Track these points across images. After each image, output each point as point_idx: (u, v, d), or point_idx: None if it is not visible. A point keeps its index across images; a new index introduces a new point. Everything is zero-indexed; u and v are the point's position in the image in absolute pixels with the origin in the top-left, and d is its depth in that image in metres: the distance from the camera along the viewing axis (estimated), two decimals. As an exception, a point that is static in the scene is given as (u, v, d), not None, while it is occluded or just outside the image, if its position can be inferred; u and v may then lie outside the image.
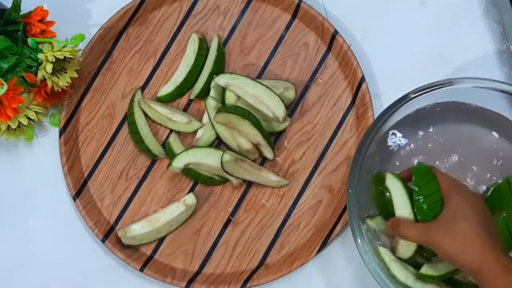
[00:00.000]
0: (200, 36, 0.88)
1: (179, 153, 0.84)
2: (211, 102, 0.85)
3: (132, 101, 0.88)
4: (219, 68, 0.88)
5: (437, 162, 0.81)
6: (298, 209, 0.86)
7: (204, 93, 0.87)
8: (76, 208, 0.86)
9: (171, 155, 0.86)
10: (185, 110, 0.89)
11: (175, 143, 0.87)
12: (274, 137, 0.88)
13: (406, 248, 0.75)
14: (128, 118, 0.88)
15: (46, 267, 0.87)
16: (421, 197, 0.73)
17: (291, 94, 0.87)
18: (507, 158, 0.81)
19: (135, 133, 0.87)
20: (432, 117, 0.82)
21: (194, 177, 0.86)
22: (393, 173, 0.76)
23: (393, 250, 0.76)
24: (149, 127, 0.87)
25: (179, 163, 0.84)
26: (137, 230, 0.84)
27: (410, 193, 0.75)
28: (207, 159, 0.84)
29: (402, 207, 0.75)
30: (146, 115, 0.88)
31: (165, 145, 0.87)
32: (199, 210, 0.86)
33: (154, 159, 0.88)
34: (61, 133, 0.87)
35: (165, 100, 0.88)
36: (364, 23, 0.91)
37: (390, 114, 0.78)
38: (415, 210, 0.73)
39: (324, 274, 0.86)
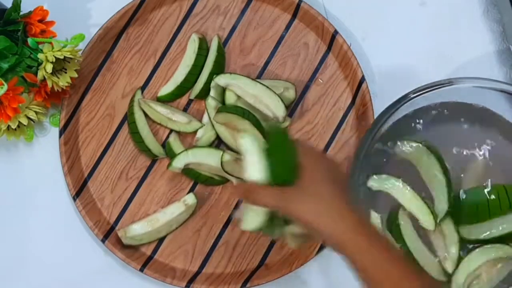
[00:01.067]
0: (200, 36, 0.88)
1: (179, 153, 0.84)
2: (211, 102, 0.85)
3: (132, 101, 0.88)
4: (219, 68, 0.88)
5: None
6: (298, 209, 0.86)
7: (204, 93, 0.87)
8: (76, 208, 0.86)
9: (171, 155, 0.86)
10: (185, 110, 0.89)
11: (175, 143, 0.87)
12: (274, 137, 0.88)
13: (254, 219, 0.66)
14: (128, 118, 0.88)
15: (46, 267, 0.87)
16: (278, 159, 0.65)
17: (291, 94, 0.87)
18: (506, 157, 0.81)
19: (135, 133, 0.87)
20: (431, 117, 0.82)
21: (194, 177, 0.86)
22: (251, 133, 0.69)
23: (238, 222, 0.68)
24: (149, 127, 0.87)
25: (179, 163, 0.84)
26: (137, 230, 0.84)
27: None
28: (207, 159, 0.84)
29: (255, 170, 0.66)
30: (146, 115, 0.88)
31: (165, 145, 0.87)
32: (199, 210, 0.86)
33: (154, 159, 0.88)
34: (61, 133, 0.87)
35: (165, 100, 0.88)
36: (364, 23, 0.91)
37: (390, 114, 0.78)
38: (270, 173, 0.65)
39: (324, 274, 0.86)
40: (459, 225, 0.79)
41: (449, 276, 0.78)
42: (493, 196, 0.78)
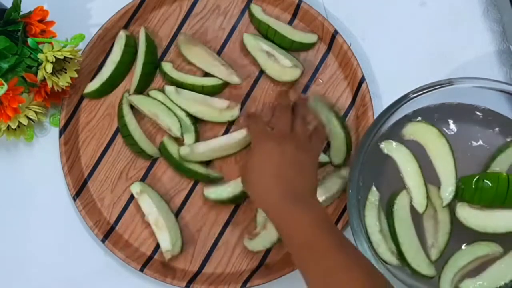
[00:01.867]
0: (127, 34, 0.88)
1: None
2: (170, 89, 0.86)
3: (120, 103, 0.88)
4: (152, 56, 0.88)
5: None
6: (298, 209, 0.86)
7: (143, 85, 0.88)
8: (76, 208, 0.86)
9: (165, 154, 0.86)
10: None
11: (169, 142, 0.87)
12: (274, 137, 0.88)
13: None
14: (119, 121, 0.88)
15: (46, 267, 0.87)
16: None
17: (296, 73, 0.86)
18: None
19: (127, 136, 0.86)
20: (431, 117, 0.82)
21: (191, 175, 0.86)
22: None
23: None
24: (140, 129, 0.87)
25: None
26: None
27: None
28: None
29: None
30: (136, 113, 0.88)
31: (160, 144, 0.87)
32: (199, 210, 0.86)
33: (154, 159, 0.88)
34: (61, 133, 0.87)
35: (91, 97, 0.88)
36: (364, 23, 0.91)
37: (390, 114, 0.78)
38: None
39: (324, 274, 0.86)
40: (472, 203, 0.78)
41: (434, 269, 0.79)
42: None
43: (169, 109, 0.85)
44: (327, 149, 0.87)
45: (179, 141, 0.87)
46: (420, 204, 0.78)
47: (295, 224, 0.69)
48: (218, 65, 0.87)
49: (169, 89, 0.87)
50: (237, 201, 0.86)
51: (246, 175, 0.76)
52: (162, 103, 0.86)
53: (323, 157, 0.85)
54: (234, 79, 0.87)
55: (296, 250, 0.70)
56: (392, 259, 0.78)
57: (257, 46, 0.87)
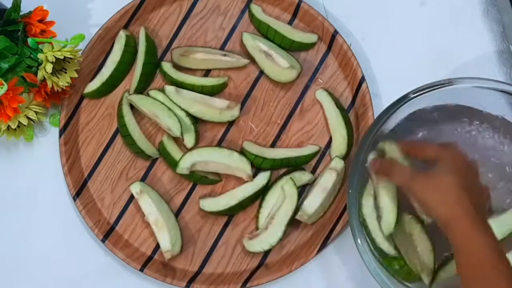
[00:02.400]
0: (127, 34, 0.88)
1: (184, 154, 0.84)
2: (170, 89, 0.86)
3: (120, 104, 0.88)
4: (152, 57, 0.88)
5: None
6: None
7: (143, 85, 0.88)
8: (76, 208, 0.86)
9: (165, 154, 0.86)
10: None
11: (168, 143, 0.87)
12: (274, 137, 0.88)
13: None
14: (118, 121, 0.88)
15: (46, 267, 0.87)
16: None
17: (292, 74, 0.86)
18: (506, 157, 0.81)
19: (126, 136, 0.86)
20: (430, 117, 0.82)
21: (189, 178, 0.86)
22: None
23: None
24: (140, 129, 0.87)
25: (185, 163, 0.84)
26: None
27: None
28: (213, 156, 0.84)
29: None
30: (136, 113, 0.88)
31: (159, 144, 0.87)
32: (199, 210, 0.86)
33: (154, 159, 0.88)
34: (61, 133, 0.87)
35: (91, 97, 0.88)
36: (364, 23, 0.91)
37: (390, 114, 0.78)
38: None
39: (324, 274, 0.86)
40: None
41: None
42: None
43: (169, 109, 0.85)
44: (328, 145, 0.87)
45: (179, 141, 0.87)
46: (388, 225, 0.78)
47: (478, 241, 0.68)
48: (221, 58, 0.87)
49: (169, 89, 0.87)
50: (232, 213, 0.86)
51: (429, 178, 0.73)
52: (162, 103, 0.86)
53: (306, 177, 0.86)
54: (242, 61, 0.88)
55: (470, 269, 0.68)
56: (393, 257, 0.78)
57: (255, 46, 0.87)
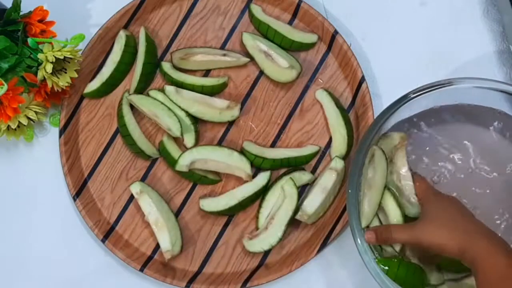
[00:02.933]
0: (128, 34, 0.88)
1: (183, 152, 0.84)
2: (170, 89, 0.86)
3: (120, 104, 0.88)
4: (152, 57, 0.88)
5: (439, 163, 0.81)
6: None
7: (143, 85, 0.87)
8: (76, 208, 0.86)
9: (165, 154, 0.86)
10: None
11: (168, 142, 0.87)
12: (274, 137, 0.88)
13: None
14: (118, 121, 0.88)
15: (46, 267, 0.87)
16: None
17: (292, 74, 0.86)
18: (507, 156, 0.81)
19: (126, 136, 0.86)
20: (430, 117, 0.82)
21: (188, 177, 0.86)
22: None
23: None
24: (140, 129, 0.87)
25: (185, 161, 0.84)
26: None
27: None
28: (213, 155, 0.84)
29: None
30: (136, 113, 0.88)
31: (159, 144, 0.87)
32: (199, 210, 0.86)
33: (154, 159, 0.88)
34: (61, 133, 0.87)
35: (91, 97, 0.88)
36: (364, 23, 0.91)
37: (390, 114, 0.78)
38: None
39: (324, 274, 0.86)
40: None
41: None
42: None
43: (169, 109, 0.85)
44: (329, 145, 0.87)
45: (179, 141, 0.87)
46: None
47: (496, 258, 0.69)
48: (221, 58, 0.87)
49: (169, 89, 0.87)
50: (232, 213, 0.86)
51: (427, 222, 0.75)
52: (162, 103, 0.86)
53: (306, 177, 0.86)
54: (242, 60, 0.88)
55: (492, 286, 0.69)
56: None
57: (255, 45, 0.87)
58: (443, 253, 0.72)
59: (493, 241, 0.71)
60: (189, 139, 0.86)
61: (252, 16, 0.89)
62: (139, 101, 0.86)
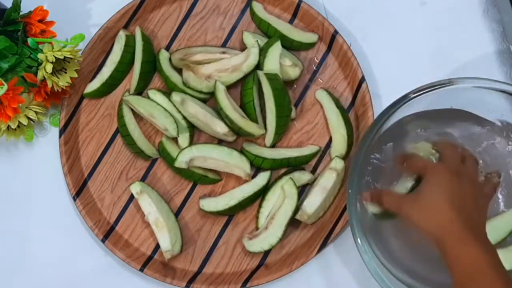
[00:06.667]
0: (127, 34, 0.88)
1: (183, 149, 0.84)
2: (176, 98, 0.85)
3: (120, 104, 0.88)
4: (149, 55, 0.88)
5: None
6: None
7: (142, 85, 0.88)
8: (76, 208, 0.86)
9: (164, 154, 0.86)
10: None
11: (168, 143, 0.87)
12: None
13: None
14: (118, 121, 0.88)
15: (46, 267, 0.87)
16: None
17: (295, 72, 0.87)
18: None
19: (126, 136, 0.86)
20: (430, 117, 0.82)
21: (188, 177, 0.86)
22: None
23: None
24: (140, 129, 0.87)
25: (184, 157, 0.84)
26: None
27: None
28: (212, 153, 0.84)
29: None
30: (136, 114, 0.88)
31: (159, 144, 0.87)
32: (199, 210, 0.86)
33: (154, 159, 0.88)
34: (61, 133, 0.87)
35: (91, 97, 0.88)
36: (364, 23, 0.91)
37: (390, 114, 0.78)
38: None
39: (324, 274, 0.86)
40: None
41: None
42: None
43: (166, 110, 0.85)
44: (330, 143, 0.87)
45: (177, 141, 0.87)
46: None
47: (470, 254, 0.68)
48: (221, 56, 0.87)
49: (175, 98, 0.85)
50: (232, 213, 0.86)
51: (417, 200, 0.74)
52: (158, 104, 0.86)
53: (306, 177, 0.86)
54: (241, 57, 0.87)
55: (464, 281, 0.68)
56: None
57: (256, 44, 0.87)
58: (422, 233, 0.72)
59: (471, 238, 0.69)
60: (183, 141, 0.86)
61: (253, 14, 0.89)
62: (136, 102, 0.86)
